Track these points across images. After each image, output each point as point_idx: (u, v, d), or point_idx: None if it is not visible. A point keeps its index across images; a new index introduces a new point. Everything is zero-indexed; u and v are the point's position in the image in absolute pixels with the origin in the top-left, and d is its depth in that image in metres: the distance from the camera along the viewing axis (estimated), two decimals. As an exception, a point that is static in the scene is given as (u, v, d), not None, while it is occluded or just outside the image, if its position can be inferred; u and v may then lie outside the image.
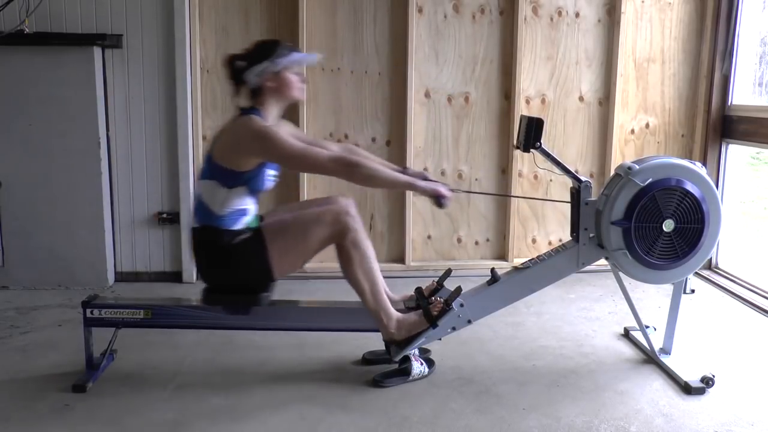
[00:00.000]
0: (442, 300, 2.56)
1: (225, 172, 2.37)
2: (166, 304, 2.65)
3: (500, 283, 2.62)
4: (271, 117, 2.46)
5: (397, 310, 2.55)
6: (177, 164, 3.76)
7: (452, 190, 2.51)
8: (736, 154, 4.01)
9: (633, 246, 2.54)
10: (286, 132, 2.47)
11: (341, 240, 2.42)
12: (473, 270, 3.85)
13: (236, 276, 2.45)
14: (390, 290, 2.61)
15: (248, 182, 2.40)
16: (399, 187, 2.52)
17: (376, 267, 2.50)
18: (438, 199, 2.47)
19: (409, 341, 2.52)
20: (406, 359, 2.59)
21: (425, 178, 2.54)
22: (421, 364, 2.62)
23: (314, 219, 2.43)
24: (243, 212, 2.44)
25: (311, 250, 2.45)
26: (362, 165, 2.39)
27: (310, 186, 3.85)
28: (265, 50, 2.44)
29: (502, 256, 4.10)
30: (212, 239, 2.42)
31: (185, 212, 3.79)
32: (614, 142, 4.03)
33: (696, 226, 2.54)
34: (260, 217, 2.58)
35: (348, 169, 2.37)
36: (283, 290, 3.56)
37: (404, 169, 2.63)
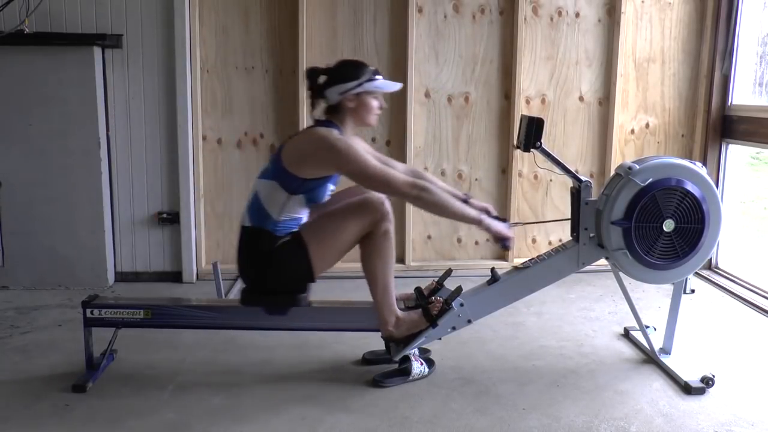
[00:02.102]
0: (442, 300, 2.56)
1: (290, 176, 2.38)
2: (166, 304, 2.65)
3: (500, 283, 2.62)
4: (346, 134, 2.48)
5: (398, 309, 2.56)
6: (177, 164, 3.76)
7: (512, 224, 2.56)
8: (736, 154, 4.01)
9: (633, 246, 2.54)
10: (363, 149, 2.49)
11: (376, 228, 2.42)
12: (473, 270, 3.85)
13: (278, 278, 2.46)
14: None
15: (310, 191, 2.42)
16: (464, 221, 2.52)
17: (394, 264, 2.52)
18: (504, 241, 2.53)
19: (408, 340, 2.52)
20: (406, 359, 2.59)
21: (487, 212, 2.56)
22: (421, 364, 2.62)
23: (352, 209, 2.44)
24: (297, 221, 2.47)
25: (349, 243, 2.44)
26: (433, 192, 2.40)
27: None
28: (352, 70, 2.47)
29: (502, 256, 4.10)
30: (259, 242, 2.43)
31: (185, 212, 3.79)
32: (614, 142, 4.03)
33: (696, 226, 2.54)
34: None
35: (420, 195, 2.38)
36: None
37: (466, 197, 2.63)
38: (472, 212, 2.49)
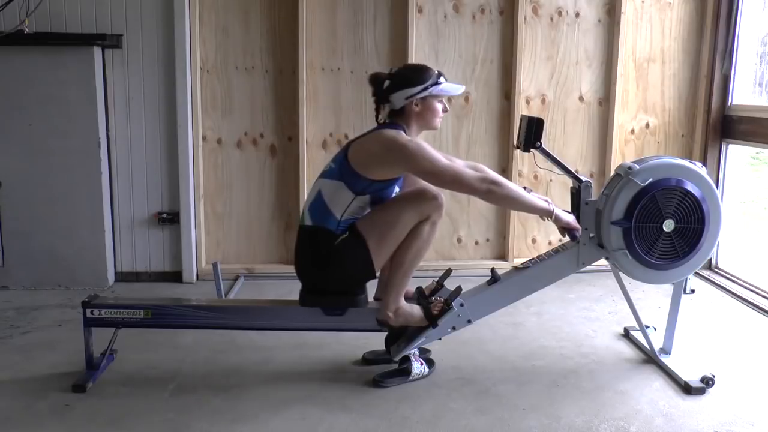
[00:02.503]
0: (442, 300, 2.56)
1: (358, 177, 2.40)
2: (166, 304, 2.64)
3: (500, 283, 2.62)
4: (411, 137, 2.48)
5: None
6: (177, 164, 3.76)
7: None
8: (736, 154, 4.01)
9: (633, 246, 2.54)
10: (432, 149, 2.48)
11: (426, 218, 2.42)
12: (473, 270, 3.85)
13: (339, 276, 2.47)
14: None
15: (375, 192, 2.43)
16: (534, 212, 2.53)
17: (424, 256, 2.51)
18: (573, 232, 2.56)
19: (408, 341, 2.52)
20: (406, 359, 2.59)
21: (547, 203, 2.56)
22: (421, 364, 2.62)
23: (409, 199, 2.44)
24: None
25: (405, 232, 2.43)
26: (504, 185, 2.41)
27: (310, 185, 3.84)
28: (417, 75, 2.48)
29: (502, 256, 4.10)
30: (320, 241, 2.43)
31: (185, 212, 3.79)
32: (614, 142, 4.03)
33: (696, 226, 2.54)
34: None
35: (490, 188, 2.38)
36: (283, 290, 3.58)
37: (528, 190, 2.61)
38: (542, 203, 2.51)
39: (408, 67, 2.59)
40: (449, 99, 2.59)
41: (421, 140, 2.50)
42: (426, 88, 2.46)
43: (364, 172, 2.40)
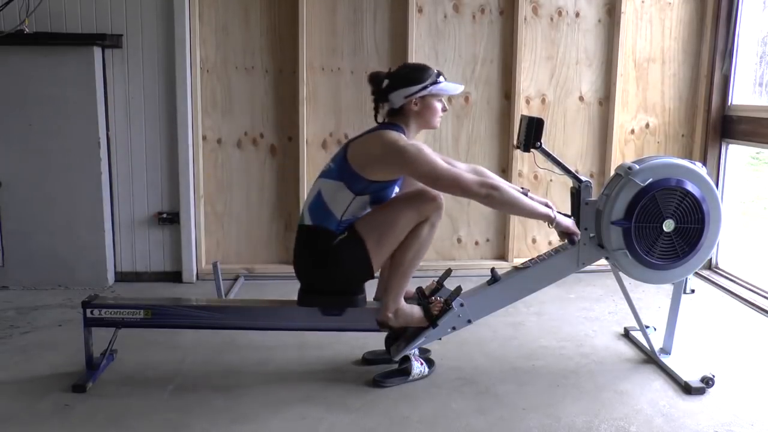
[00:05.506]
0: (442, 300, 2.56)
1: (357, 177, 2.40)
2: (166, 304, 2.64)
3: (500, 283, 2.62)
4: (410, 137, 2.48)
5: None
6: (177, 164, 3.76)
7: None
8: (736, 154, 4.01)
9: (633, 246, 2.54)
10: (431, 152, 2.48)
11: (426, 219, 2.42)
12: (473, 270, 3.85)
13: (337, 276, 2.47)
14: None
15: (375, 193, 2.43)
16: (534, 217, 2.54)
17: (423, 257, 2.51)
18: (571, 236, 2.56)
19: (408, 341, 2.52)
20: (406, 359, 2.59)
21: (547, 206, 2.56)
22: (421, 364, 2.62)
23: (408, 199, 2.44)
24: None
25: (403, 234, 2.43)
26: (503, 190, 2.40)
27: (310, 185, 3.83)
28: (416, 74, 2.47)
29: (502, 256, 4.10)
30: (318, 240, 2.43)
31: (185, 212, 3.79)
32: (614, 142, 4.03)
33: (696, 226, 2.54)
34: None
35: (489, 193, 2.38)
36: (283, 290, 3.58)
37: (525, 191, 2.63)
38: (542, 209, 2.50)
39: (407, 66, 2.59)
40: (449, 99, 2.58)
41: (421, 143, 2.49)
42: (425, 87, 2.46)
43: (363, 172, 2.40)
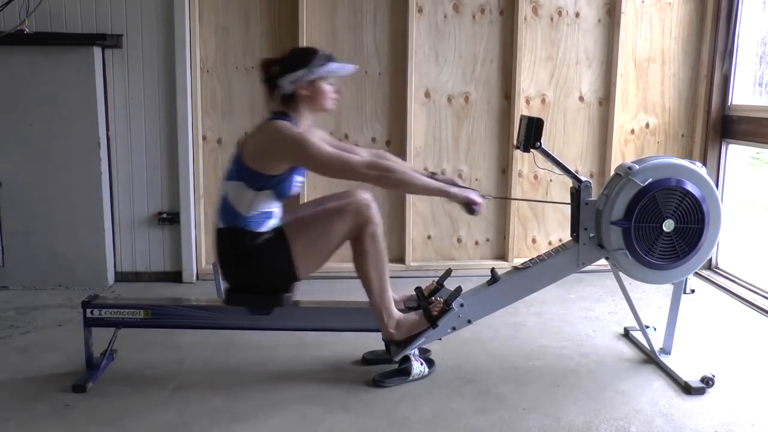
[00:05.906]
0: (442, 300, 2.56)
1: (253, 174, 2.38)
2: (166, 304, 2.65)
3: (500, 283, 2.62)
4: (303, 124, 2.46)
5: (398, 310, 2.56)
6: (177, 164, 3.76)
7: (483, 197, 2.51)
8: (736, 154, 4.01)
9: (633, 246, 2.54)
10: (318, 138, 2.47)
11: (361, 232, 2.42)
12: (473, 270, 3.85)
13: (260, 276, 2.46)
14: (391, 290, 2.61)
15: (276, 186, 2.41)
16: (430, 193, 2.51)
17: (387, 265, 2.50)
18: (470, 207, 2.49)
19: (408, 341, 2.52)
20: (406, 359, 2.59)
21: (455, 185, 2.54)
22: (421, 364, 2.62)
23: (336, 212, 2.42)
24: (269, 215, 2.45)
25: (333, 245, 2.44)
26: (395, 170, 2.40)
27: (310, 186, 3.84)
28: (301, 58, 2.44)
29: (502, 256, 4.10)
30: (237, 240, 2.42)
31: (185, 212, 3.79)
32: (614, 142, 4.03)
33: (696, 226, 2.54)
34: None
35: (381, 174, 2.37)
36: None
37: (433, 174, 2.61)
38: (436, 183, 2.48)
39: (293, 51, 2.53)
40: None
41: (308, 131, 2.45)
42: (311, 70, 2.41)
43: (258, 168, 2.37)
